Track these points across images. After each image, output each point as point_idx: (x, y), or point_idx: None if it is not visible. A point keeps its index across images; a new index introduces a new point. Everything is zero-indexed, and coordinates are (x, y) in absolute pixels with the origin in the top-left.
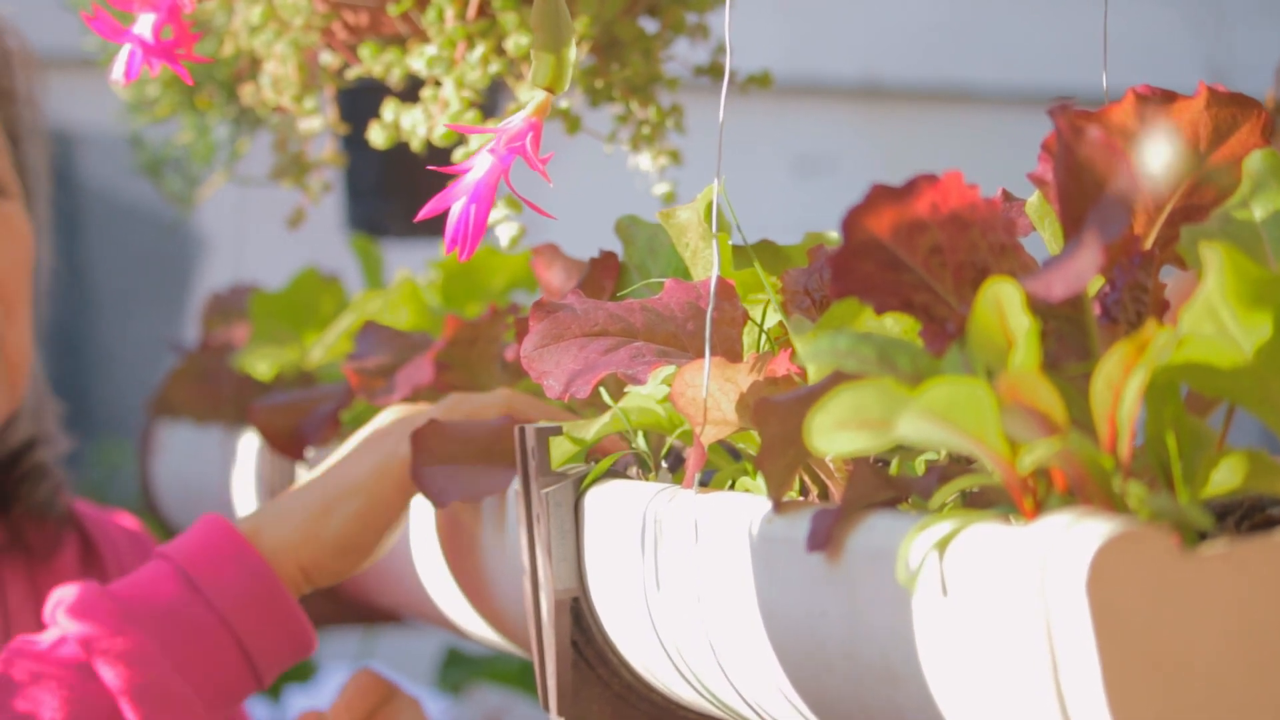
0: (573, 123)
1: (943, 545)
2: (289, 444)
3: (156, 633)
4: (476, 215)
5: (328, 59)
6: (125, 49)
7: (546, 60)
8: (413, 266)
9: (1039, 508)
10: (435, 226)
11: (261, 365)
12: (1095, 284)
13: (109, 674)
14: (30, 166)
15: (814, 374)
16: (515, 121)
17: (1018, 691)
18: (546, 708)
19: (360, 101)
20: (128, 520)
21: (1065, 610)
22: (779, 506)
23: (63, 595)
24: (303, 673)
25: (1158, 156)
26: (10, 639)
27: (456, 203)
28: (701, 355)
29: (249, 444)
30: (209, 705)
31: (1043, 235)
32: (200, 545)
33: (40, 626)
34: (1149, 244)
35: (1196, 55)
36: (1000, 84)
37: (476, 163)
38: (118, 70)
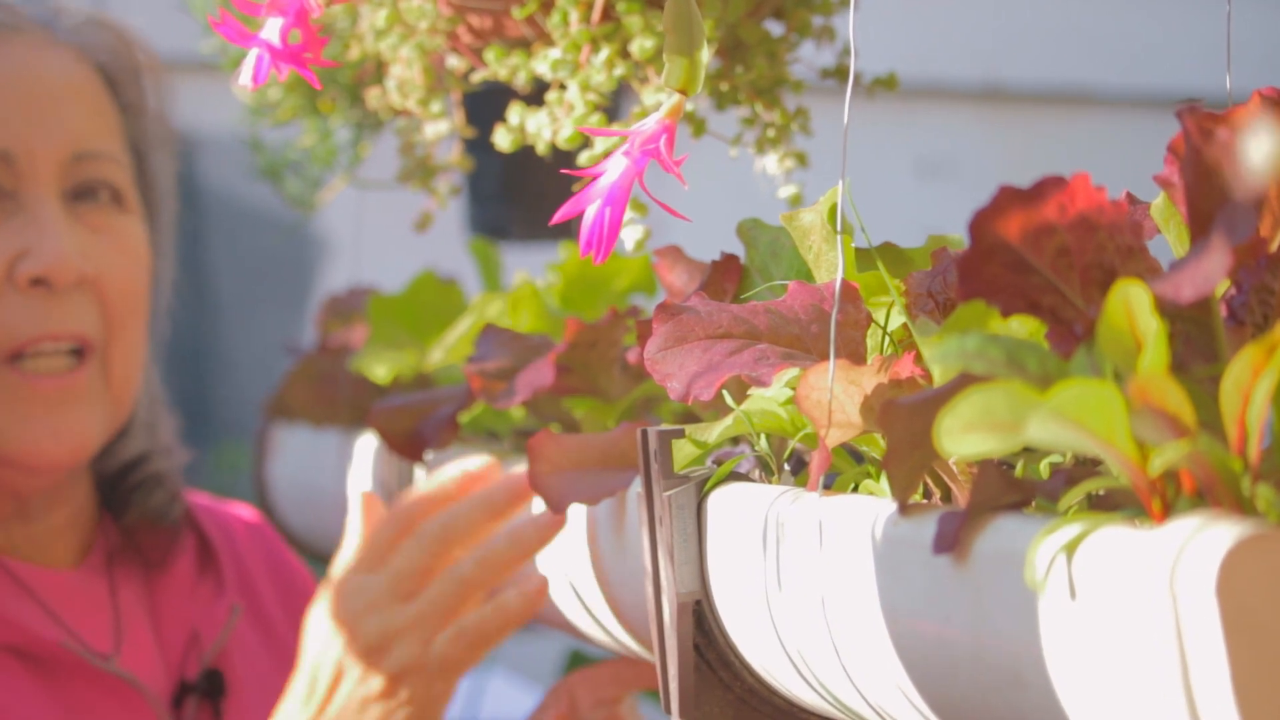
0: (698, 126)
1: (1071, 548)
2: (408, 446)
3: None
4: (611, 218)
5: (453, 63)
6: (252, 53)
7: (679, 62)
8: (529, 269)
9: (1167, 510)
10: (554, 230)
11: (379, 368)
12: (1221, 286)
13: None
14: (155, 182)
15: (940, 376)
16: (648, 124)
17: (1146, 695)
18: (668, 710)
19: (482, 105)
20: (247, 512)
21: (1195, 613)
22: (904, 509)
23: None
24: None
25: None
26: (122, 641)
27: (591, 206)
28: (825, 358)
29: (366, 446)
30: None
31: (1167, 238)
32: None
33: (152, 629)
34: (1275, 246)
35: None
36: (1121, 86)
37: (610, 166)
38: (245, 75)
